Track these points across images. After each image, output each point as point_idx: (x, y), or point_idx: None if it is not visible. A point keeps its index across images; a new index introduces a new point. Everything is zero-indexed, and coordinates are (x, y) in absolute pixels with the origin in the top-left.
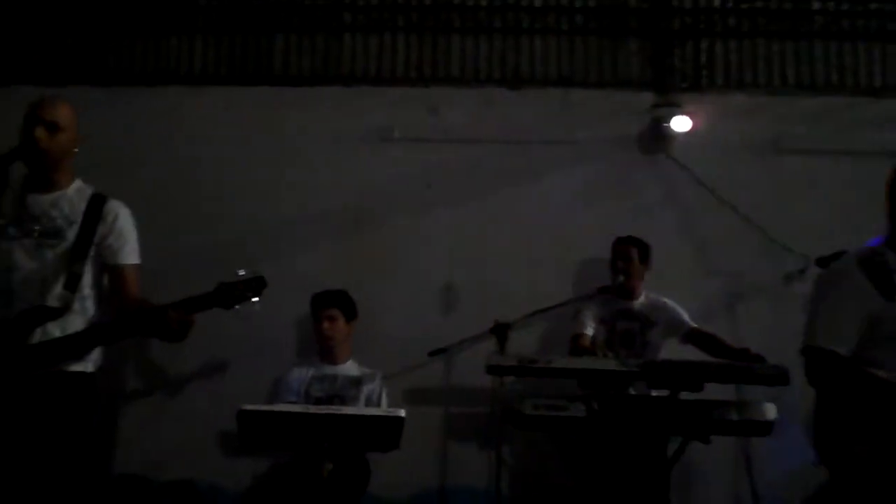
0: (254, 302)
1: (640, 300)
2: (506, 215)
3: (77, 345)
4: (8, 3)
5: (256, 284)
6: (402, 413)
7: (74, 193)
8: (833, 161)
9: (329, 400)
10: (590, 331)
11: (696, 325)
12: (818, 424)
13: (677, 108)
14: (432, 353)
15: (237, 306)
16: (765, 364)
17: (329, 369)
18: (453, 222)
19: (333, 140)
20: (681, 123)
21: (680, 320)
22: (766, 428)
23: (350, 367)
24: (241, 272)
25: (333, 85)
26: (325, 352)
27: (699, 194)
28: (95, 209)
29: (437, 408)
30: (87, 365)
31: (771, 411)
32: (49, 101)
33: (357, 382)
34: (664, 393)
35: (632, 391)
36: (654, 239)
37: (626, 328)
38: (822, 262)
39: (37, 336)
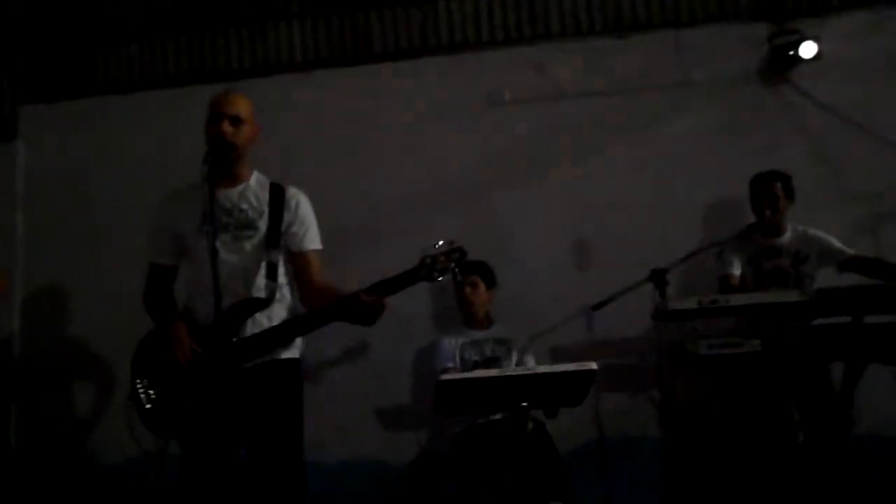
0: (456, 272)
1: (788, 235)
2: (628, 166)
3: (287, 332)
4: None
5: (459, 255)
6: (595, 366)
7: (256, 184)
8: None
9: (485, 363)
10: (737, 270)
11: (854, 252)
12: None
13: (799, 35)
14: (595, 307)
15: (440, 277)
16: None
17: (477, 334)
18: (576, 178)
19: (445, 109)
20: (808, 49)
21: (835, 248)
22: None
23: (496, 331)
24: (439, 243)
25: (436, 55)
26: (470, 318)
27: (828, 120)
28: (278, 198)
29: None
30: (295, 351)
31: None
32: (228, 96)
33: (506, 343)
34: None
35: None
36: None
37: (775, 265)
38: None
39: (248, 327)
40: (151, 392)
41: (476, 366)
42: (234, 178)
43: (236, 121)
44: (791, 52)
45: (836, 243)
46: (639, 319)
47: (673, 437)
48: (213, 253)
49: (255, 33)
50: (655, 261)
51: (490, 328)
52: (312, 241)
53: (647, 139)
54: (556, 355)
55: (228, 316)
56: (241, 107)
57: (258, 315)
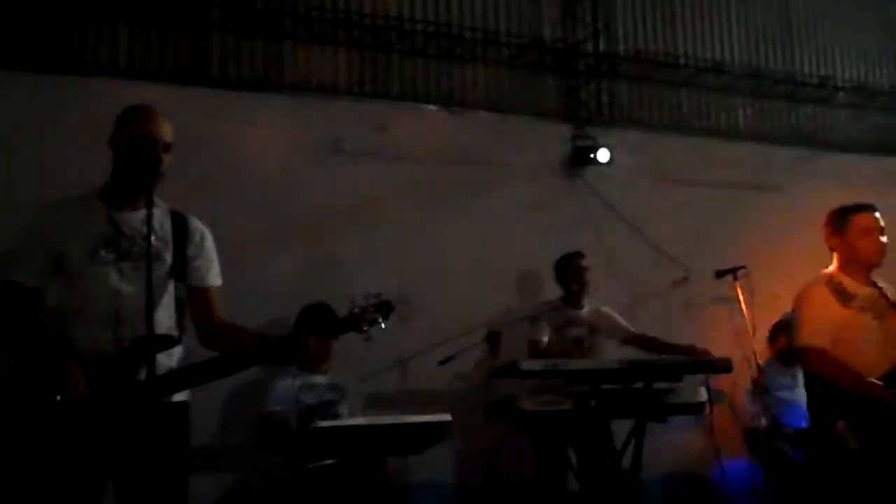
0: (382, 326)
1: (586, 309)
2: (450, 230)
3: (203, 375)
4: None
5: (386, 308)
6: (449, 417)
7: (160, 211)
8: (703, 189)
9: (321, 407)
10: (545, 337)
11: (634, 330)
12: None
13: (593, 140)
14: (442, 363)
15: (366, 329)
16: (715, 357)
17: (314, 378)
18: (404, 235)
19: (282, 149)
20: (602, 154)
21: (622, 325)
22: (701, 407)
23: (330, 377)
24: (367, 295)
25: (278, 92)
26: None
27: (607, 214)
28: (181, 228)
29: (395, 410)
30: (186, 393)
31: (704, 394)
32: (158, 118)
33: (340, 390)
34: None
35: None
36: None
37: (576, 334)
38: (720, 273)
39: (147, 366)
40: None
41: (310, 409)
42: (137, 202)
43: (167, 148)
44: (591, 155)
45: (622, 321)
46: (443, 374)
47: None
48: (149, 285)
49: (72, 28)
50: (468, 319)
51: (326, 373)
52: (215, 277)
53: (468, 208)
54: (371, 403)
55: (129, 353)
56: (169, 132)
57: (159, 355)
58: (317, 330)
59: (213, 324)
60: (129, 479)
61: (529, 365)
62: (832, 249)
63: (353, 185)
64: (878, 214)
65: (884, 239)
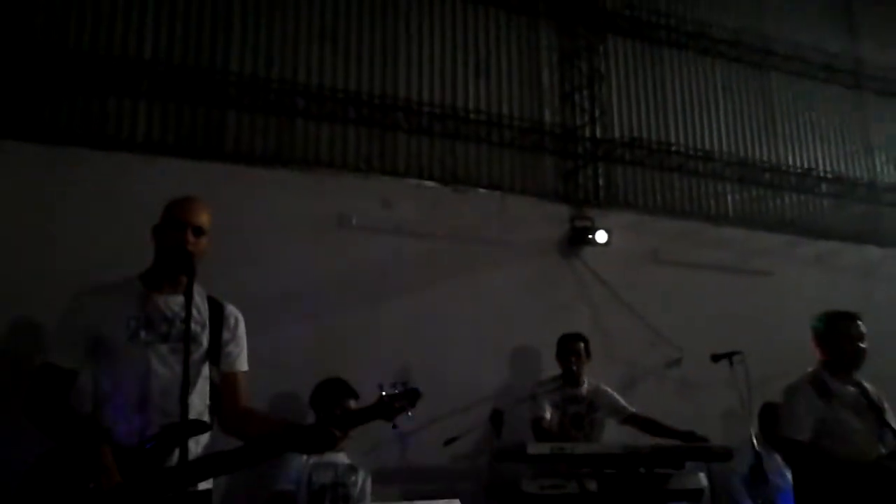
0: (409, 414)
1: (585, 386)
2: (450, 304)
3: (233, 463)
4: None
5: (413, 396)
6: (458, 502)
7: (197, 295)
8: (696, 271)
9: (333, 487)
10: (548, 415)
11: (634, 410)
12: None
13: (592, 222)
14: (447, 443)
15: (395, 417)
16: (714, 444)
17: (328, 457)
18: (405, 310)
19: (291, 222)
20: (600, 236)
21: (621, 405)
22: (700, 494)
23: (344, 455)
24: (395, 383)
25: (289, 167)
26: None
27: (603, 293)
28: (217, 313)
29: (398, 486)
30: (210, 482)
31: (704, 481)
32: (194, 204)
33: (354, 471)
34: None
35: None
36: (571, 330)
37: (575, 411)
38: (716, 358)
39: (175, 453)
40: None
41: (323, 489)
42: (177, 285)
43: (199, 232)
44: (589, 235)
45: (621, 401)
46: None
47: None
48: (186, 367)
49: (92, 102)
50: (467, 394)
51: (340, 451)
52: (244, 362)
53: (469, 283)
54: (374, 478)
55: (160, 439)
56: (205, 217)
57: (190, 440)
58: (347, 419)
59: (237, 409)
60: None
61: (535, 448)
62: (818, 349)
63: (358, 258)
64: (860, 322)
65: (864, 345)
